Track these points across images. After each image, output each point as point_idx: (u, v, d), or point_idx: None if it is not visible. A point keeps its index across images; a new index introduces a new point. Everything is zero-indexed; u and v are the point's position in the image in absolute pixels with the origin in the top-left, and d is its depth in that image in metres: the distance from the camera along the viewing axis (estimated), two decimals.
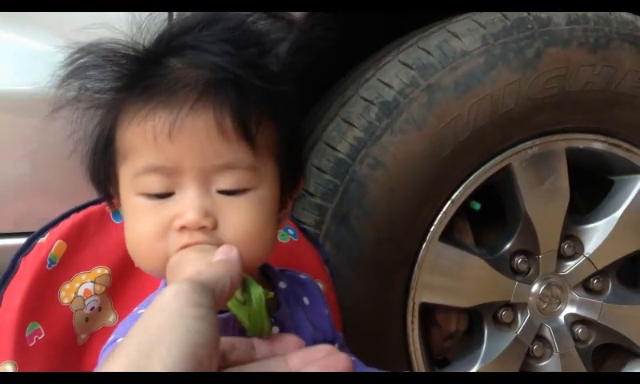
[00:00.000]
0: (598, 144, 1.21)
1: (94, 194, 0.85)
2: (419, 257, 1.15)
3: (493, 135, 1.12)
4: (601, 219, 1.27)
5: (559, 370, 1.28)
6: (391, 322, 1.17)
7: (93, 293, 0.85)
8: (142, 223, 0.65)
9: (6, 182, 1.03)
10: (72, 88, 0.71)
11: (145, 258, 0.68)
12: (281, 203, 0.71)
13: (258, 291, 0.59)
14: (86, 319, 0.85)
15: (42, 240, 0.83)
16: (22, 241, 0.90)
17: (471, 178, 1.15)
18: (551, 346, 1.28)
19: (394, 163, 1.08)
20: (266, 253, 0.69)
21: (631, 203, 1.25)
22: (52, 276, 0.83)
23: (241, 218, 0.65)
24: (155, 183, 0.65)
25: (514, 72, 1.10)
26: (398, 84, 1.10)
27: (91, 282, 0.85)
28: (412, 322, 1.18)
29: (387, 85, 1.10)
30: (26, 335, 0.81)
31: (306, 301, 0.77)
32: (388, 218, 1.10)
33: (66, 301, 0.84)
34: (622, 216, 1.25)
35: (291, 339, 0.59)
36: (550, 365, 1.28)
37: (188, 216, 0.63)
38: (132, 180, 0.66)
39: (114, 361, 0.45)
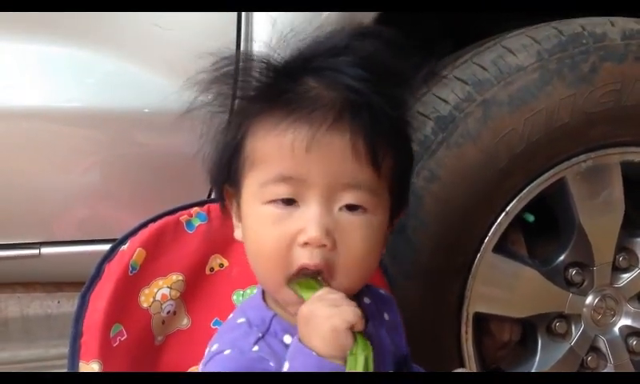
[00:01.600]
0: None
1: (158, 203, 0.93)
2: (473, 267, 1.17)
3: (547, 149, 1.14)
4: None
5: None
6: (445, 331, 1.20)
7: (169, 297, 0.90)
8: (266, 234, 0.69)
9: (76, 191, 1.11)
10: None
11: (265, 268, 0.71)
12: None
13: (368, 353, 0.63)
14: (163, 322, 0.90)
15: (123, 248, 0.89)
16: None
17: (525, 190, 1.17)
18: (605, 358, 1.29)
19: (449, 176, 1.11)
20: (370, 276, 0.73)
21: None
22: (133, 281, 0.88)
23: (357, 240, 0.68)
24: (283, 191, 0.68)
25: (568, 87, 1.12)
26: (454, 99, 1.13)
27: (167, 287, 0.90)
28: (466, 332, 1.21)
29: (443, 100, 1.13)
30: (111, 336, 0.86)
31: (386, 316, 0.81)
32: (443, 230, 1.13)
33: (145, 304, 0.89)
34: None
35: None
36: None
37: (311, 232, 0.67)
38: (260, 188, 0.70)
39: None
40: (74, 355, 0.85)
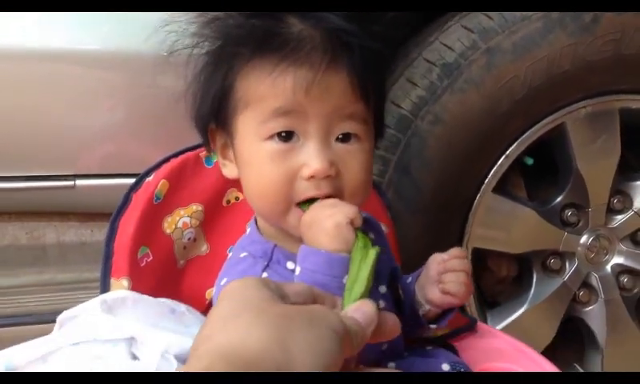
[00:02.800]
0: None
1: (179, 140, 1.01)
2: (473, 206, 1.26)
3: (547, 95, 1.20)
4: None
5: (604, 315, 1.37)
6: None
7: (189, 226, 0.97)
8: (270, 170, 0.72)
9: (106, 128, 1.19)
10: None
11: (270, 203, 0.74)
12: None
13: (373, 256, 0.64)
14: (184, 247, 0.97)
15: (148, 179, 0.95)
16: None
17: (525, 135, 1.24)
18: (597, 293, 1.38)
19: (452, 120, 1.18)
20: (368, 197, 0.79)
21: None
22: (157, 209, 0.95)
23: (356, 166, 0.74)
24: (283, 124, 0.71)
25: (570, 36, 1.17)
26: (460, 47, 1.19)
27: (188, 216, 0.97)
28: None
29: (449, 47, 1.19)
30: (138, 257, 0.92)
31: (371, 235, 0.88)
32: (445, 170, 1.21)
33: (168, 231, 0.96)
34: None
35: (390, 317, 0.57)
36: (595, 309, 1.39)
37: (316, 165, 0.71)
38: (258, 125, 0.73)
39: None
40: (106, 273, 0.92)
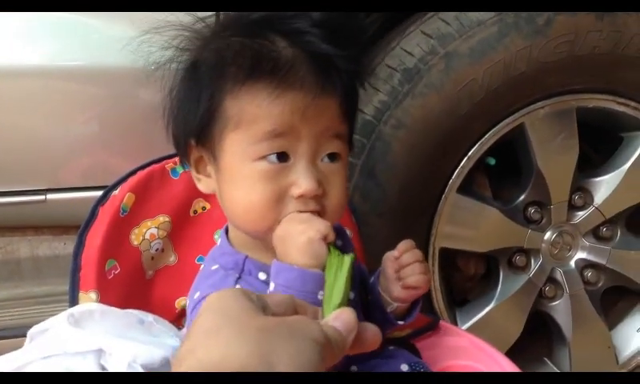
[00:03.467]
0: (606, 103, 1.31)
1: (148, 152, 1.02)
2: (438, 207, 1.29)
3: (506, 97, 1.24)
4: (610, 172, 1.38)
5: (569, 309, 1.41)
6: None
7: (157, 237, 0.99)
8: (260, 189, 0.74)
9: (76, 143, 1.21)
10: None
11: (254, 222, 0.76)
12: None
13: (348, 263, 0.65)
14: (152, 258, 1.00)
15: (115, 192, 0.98)
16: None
17: (486, 135, 1.27)
18: (562, 288, 1.41)
19: (414, 123, 1.22)
20: None
21: (638, 157, 1.35)
22: (124, 222, 0.97)
23: (339, 185, 0.77)
24: (277, 145, 0.74)
25: (525, 39, 1.21)
26: (419, 52, 1.22)
27: (155, 227, 0.99)
28: (432, 266, 1.33)
29: (409, 53, 1.23)
30: (106, 270, 0.95)
31: (339, 242, 0.88)
32: (409, 172, 1.24)
33: (135, 242, 0.98)
34: (629, 169, 1.35)
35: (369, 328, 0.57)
36: (560, 304, 1.42)
37: (306, 185, 0.73)
38: (250, 146, 0.74)
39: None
40: (74, 286, 0.95)
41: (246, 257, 0.79)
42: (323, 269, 0.68)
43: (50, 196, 1.20)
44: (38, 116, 1.17)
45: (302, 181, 0.74)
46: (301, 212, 0.74)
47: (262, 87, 0.74)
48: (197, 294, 0.79)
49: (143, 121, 1.22)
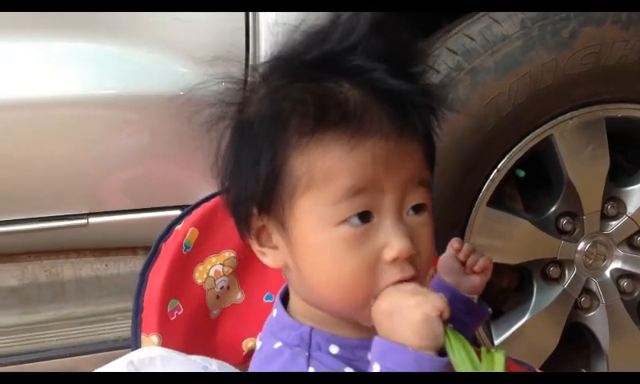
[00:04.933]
0: (635, 112, 1.31)
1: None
2: (469, 220, 1.30)
3: (533, 110, 1.25)
4: None
5: (606, 320, 1.40)
6: None
7: (222, 274, 0.94)
8: (348, 258, 0.64)
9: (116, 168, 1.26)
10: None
11: (344, 298, 0.66)
12: None
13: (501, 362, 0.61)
14: (217, 297, 0.94)
15: (178, 227, 0.92)
16: None
17: (515, 148, 1.28)
18: (598, 298, 1.41)
19: (442, 138, 1.22)
20: None
21: None
22: (187, 259, 0.91)
23: (427, 239, 0.67)
24: (359, 204, 0.64)
25: (550, 51, 1.22)
26: (445, 68, 1.24)
27: (220, 264, 0.94)
28: None
29: (435, 70, 1.25)
30: (168, 311, 0.90)
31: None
32: (439, 187, 1.24)
33: (199, 281, 0.93)
34: None
35: None
36: (597, 315, 1.41)
37: (399, 245, 0.63)
38: (328, 208, 0.64)
39: None
40: (137, 328, 0.90)
41: (312, 329, 0.69)
42: (437, 352, 0.61)
43: (92, 219, 1.25)
44: (76, 144, 1.22)
45: (394, 241, 0.64)
46: (401, 281, 0.64)
47: (333, 138, 0.64)
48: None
49: (179, 144, 1.26)
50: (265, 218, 0.69)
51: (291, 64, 0.68)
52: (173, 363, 0.84)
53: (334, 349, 0.69)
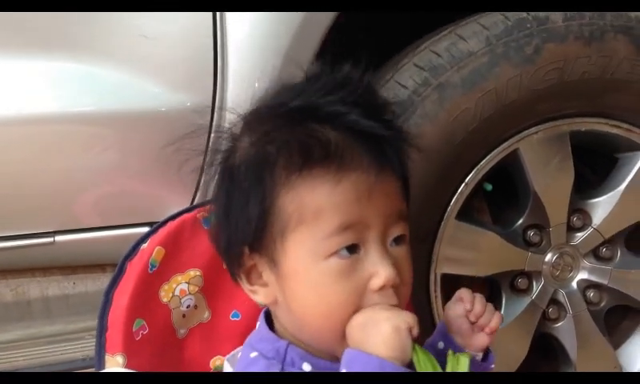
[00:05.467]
0: (599, 126, 1.34)
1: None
2: (438, 234, 1.31)
3: (499, 124, 1.27)
4: (606, 193, 1.39)
5: (573, 330, 1.42)
6: (416, 291, 1.32)
7: (187, 292, 0.94)
8: (337, 289, 0.68)
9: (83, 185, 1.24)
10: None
11: (335, 324, 0.69)
12: None
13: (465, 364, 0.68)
14: (183, 316, 0.95)
15: (144, 246, 0.93)
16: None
17: (482, 162, 1.30)
18: (565, 309, 1.43)
19: (410, 154, 1.24)
20: None
21: (634, 177, 1.37)
22: (153, 278, 0.92)
23: (408, 268, 0.73)
24: (348, 237, 0.68)
25: (515, 67, 1.24)
26: (412, 84, 1.26)
27: (186, 282, 0.94)
28: (435, 291, 1.35)
29: (403, 85, 1.26)
30: (133, 330, 0.90)
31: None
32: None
33: (165, 300, 0.93)
34: (625, 190, 1.37)
35: None
36: (564, 325, 1.43)
37: (386, 273, 0.68)
38: (318, 243, 0.68)
39: None
40: (101, 348, 0.90)
41: (288, 344, 0.74)
42: (403, 364, 0.65)
43: (59, 237, 1.24)
44: (43, 162, 1.21)
45: (381, 270, 0.69)
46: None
47: (319, 174, 0.69)
48: None
49: (148, 162, 1.25)
50: (256, 256, 0.74)
51: (273, 112, 0.74)
52: None
53: (306, 367, 0.72)
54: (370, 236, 0.70)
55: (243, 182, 0.72)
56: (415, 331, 0.67)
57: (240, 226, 0.73)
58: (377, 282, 0.68)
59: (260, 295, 0.76)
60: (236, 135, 0.76)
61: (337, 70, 0.76)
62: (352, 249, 0.69)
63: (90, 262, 1.31)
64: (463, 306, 0.82)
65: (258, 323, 0.80)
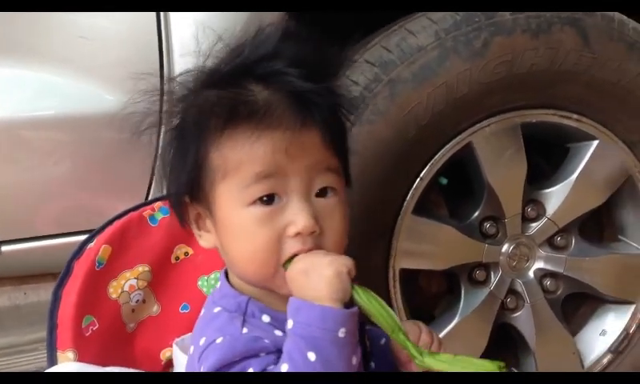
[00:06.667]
0: (549, 117, 1.36)
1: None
2: (395, 229, 1.32)
3: (451, 118, 1.28)
4: (559, 183, 1.41)
5: (531, 319, 1.44)
6: (375, 286, 1.31)
7: (137, 288, 0.97)
8: (257, 234, 0.75)
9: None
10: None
11: (259, 267, 0.76)
12: None
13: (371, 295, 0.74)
14: (132, 310, 0.98)
15: (90, 245, 0.96)
16: None
17: (436, 157, 1.31)
18: (523, 298, 1.44)
19: (364, 150, 1.24)
20: None
21: (585, 167, 1.39)
22: (101, 275, 0.95)
23: (337, 221, 0.77)
24: (264, 188, 0.74)
25: (464, 61, 1.25)
26: (364, 80, 1.26)
27: (134, 278, 0.97)
28: (394, 286, 1.35)
29: (354, 82, 1.26)
30: (82, 327, 0.93)
31: None
32: (363, 197, 1.26)
33: (114, 296, 0.96)
34: (577, 179, 1.39)
35: None
36: (522, 315, 1.45)
37: (302, 222, 0.74)
38: (240, 192, 0.75)
39: None
40: (52, 345, 0.93)
41: (249, 299, 0.79)
42: (345, 306, 0.71)
43: (5, 247, 1.20)
44: None
45: (298, 219, 0.74)
46: (300, 252, 0.74)
47: (241, 132, 0.75)
48: (202, 340, 0.77)
49: (99, 167, 1.23)
50: (197, 205, 0.81)
51: (214, 74, 0.79)
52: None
53: (265, 318, 0.78)
54: (290, 186, 0.75)
55: (183, 139, 0.80)
56: (353, 272, 0.73)
57: (180, 177, 0.80)
58: (292, 229, 0.74)
59: (204, 240, 0.83)
60: (177, 98, 0.82)
61: (285, 33, 0.80)
62: (271, 198, 0.75)
63: (42, 271, 1.27)
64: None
65: (219, 282, 0.85)
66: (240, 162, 0.75)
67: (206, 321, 0.81)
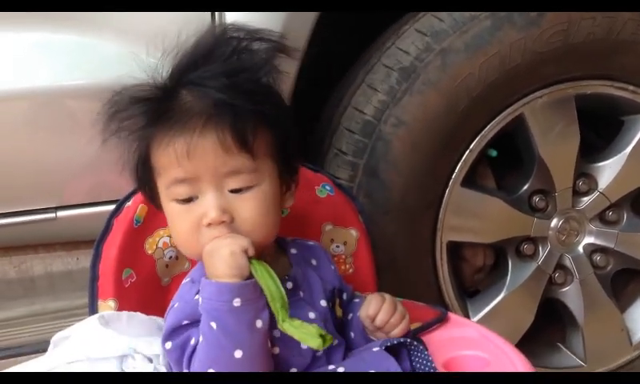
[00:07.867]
0: (605, 88, 1.32)
1: None
2: (443, 201, 1.30)
3: (503, 89, 1.25)
4: (612, 157, 1.38)
5: (580, 294, 1.42)
6: (422, 259, 1.33)
7: (169, 245, 1.04)
8: (179, 223, 0.87)
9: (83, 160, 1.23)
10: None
11: (185, 248, 0.90)
12: (285, 187, 0.91)
13: (265, 270, 0.82)
14: (166, 266, 1.05)
15: (128, 204, 1.03)
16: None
17: (486, 128, 1.28)
18: (572, 273, 1.42)
19: (414, 121, 1.23)
20: (273, 232, 0.89)
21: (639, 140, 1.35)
22: (138, 232, 1.03)
23: (249, 211, 0.85)
24: (182, 191, 0.85)
25: (519, 31, 1.22)
26: (415, 50, 1.24)
27: (168, 236, 1.04)
28: (441, 259, 1.34)
29: (405, 52, 1.24)
30: (122, 278, 1.01)
31: (313, 262, 0.97)
32: (412, 169, 1.25)
33: (149, 251, 1.04)
34: (631, 153, 1.36)
35: None
36: (571, 290, 1.43)
37: (211, 214, 0.83)
38: (166, 190, 0.87)
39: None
40: (93, 295, 1.01)
41: None
42: (246, 279, 0.80)
43: (61, 213, 1.23)
44: (43, 137, 1.19)
45: (208, 211, 0.83)
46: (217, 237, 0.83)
47: (160, 136, 0.85)
48: (176, 304, 0.88)
49: None
50: (155, 197, 0.91)
51: (155, 81, 0.88)
52: (136, 320, 0.96)
53: None
54: (203, 185, 0.84)
55: (132, 137, 0.89)
56: (251, 251, 0.81)
57: (135, 174, 0.91)
58: (205, 220, 0.84)
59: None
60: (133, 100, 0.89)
61: (221, 36, 0.90)
62: (188, 200, 0.85)
63: (94, 238, 1.29)
64: (369, 313, 0.93)
65: None
66: (162, 166, 0.86)
67: (180, 288, 0.92)
